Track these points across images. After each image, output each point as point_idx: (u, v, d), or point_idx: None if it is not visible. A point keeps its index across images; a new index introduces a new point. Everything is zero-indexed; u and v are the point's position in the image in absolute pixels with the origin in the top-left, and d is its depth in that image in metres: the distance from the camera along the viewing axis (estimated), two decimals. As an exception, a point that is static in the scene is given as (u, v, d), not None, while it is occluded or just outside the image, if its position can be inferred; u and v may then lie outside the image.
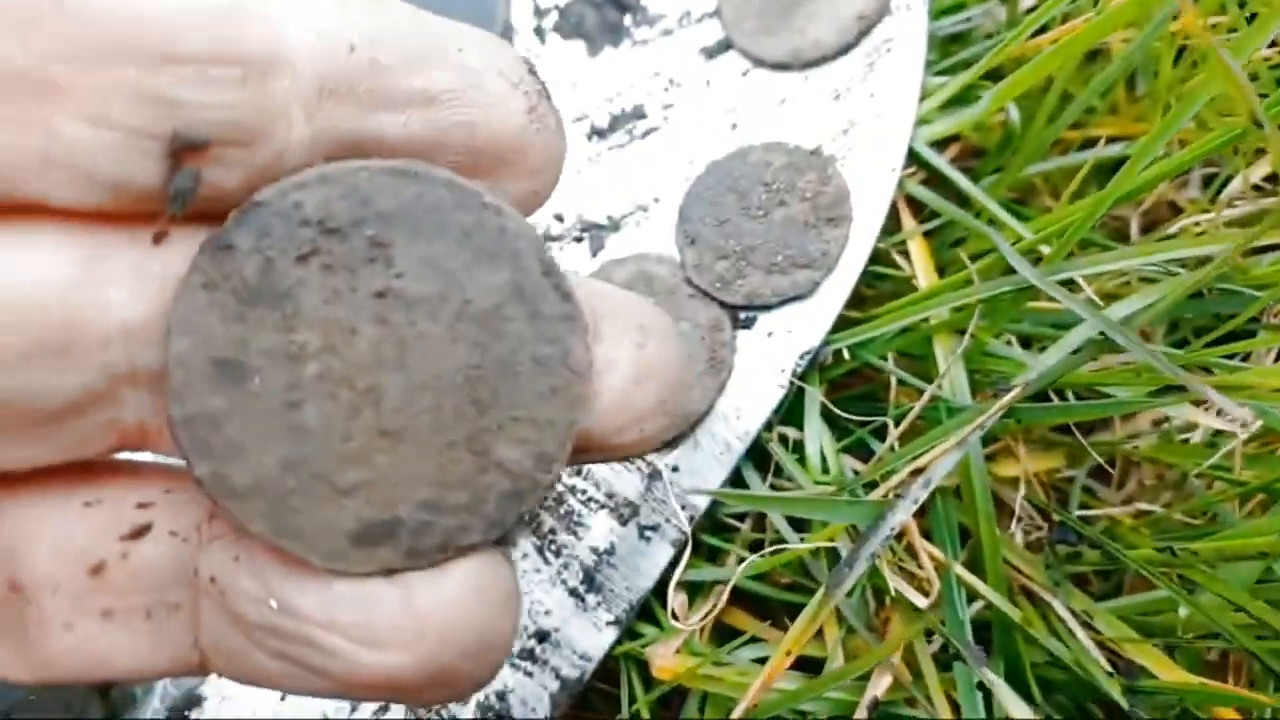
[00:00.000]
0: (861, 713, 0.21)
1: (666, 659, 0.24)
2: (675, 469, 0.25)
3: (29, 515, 0.13)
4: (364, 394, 0.12)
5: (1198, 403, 0.23)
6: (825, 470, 0.25)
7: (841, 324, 0.26)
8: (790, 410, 0.26)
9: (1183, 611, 0.21)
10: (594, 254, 0.28)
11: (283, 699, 0.25)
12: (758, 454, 0.26)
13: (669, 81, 0.29)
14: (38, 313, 0.11)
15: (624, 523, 0.25)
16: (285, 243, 0.12)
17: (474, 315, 0.12)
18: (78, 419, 0.12)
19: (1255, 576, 0.21)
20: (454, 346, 0.12)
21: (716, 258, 0.26)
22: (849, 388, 0.27)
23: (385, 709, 0.25)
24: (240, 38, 0.11)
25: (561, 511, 0.25)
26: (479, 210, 0.12)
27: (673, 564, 0.25)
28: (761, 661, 0.24)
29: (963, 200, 0.26)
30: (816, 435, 0.25)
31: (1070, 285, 0.23)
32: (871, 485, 0.23)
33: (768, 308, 0.26)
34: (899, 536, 0.22)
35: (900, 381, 0.25)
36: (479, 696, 0.24)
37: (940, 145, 0.27)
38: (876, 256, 0.26)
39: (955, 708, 0.21)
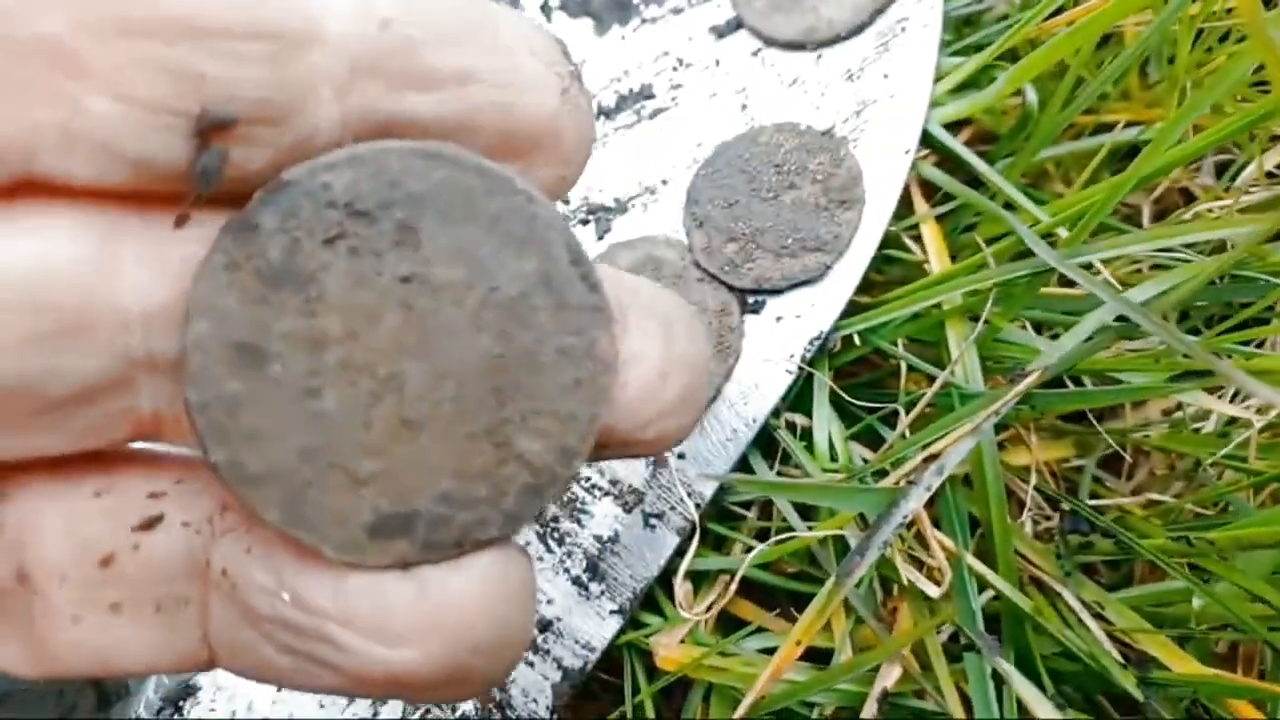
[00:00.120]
0: (871, 705, 0.20)
1: (671, 649, 0.23)
2: (681, 455, 0.25)
3: (38, 504, 0.13)
4: (385, 382, 0.12)
5: (1212, 390, 0.23)
6: (834, 458, 0.24)
7: (851, 309, 0.25)
8: (799, 396, 0.25)
9: (1196, 602, 0.21)
10: (600, 237, 0.27)
11: (278, 691, 0.24)
12: (765, 441, 0.25)
13: (678, 61, 0.28)
14: (52, 295, 0.11)
15: (629, 510, 0.25)
16: (312, 224, 0.12)
17: (500, 303, 0.12)
18: (92, 406, 0.12)
19: (1273, 566, 0.20)
20: (478, 335, 0.12)
21: (725, 241, 0.25)
22: (855, 374, 0.27)
23: (383, 703, 0.24)
24: (272, 12, 0.11)
25: (565, 498, 0.25)
26: (509, 196, 0.12)
27: (677, 552, 0.24)
28: (767, 652, 0.23)
29: (975, 184, 0.26)
30: (825, 422, 0.25)
31: (1086, 270, 0.23)
32: (881, 473, 0.23)
33: (777, 292, 0.25)
34: (909, 526, 0.21)
35: (910, 368, 0.25)
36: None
37: (952, 128, 0.27)
38: (887, 240, 0.25)
39: (965, 699, 0.21)
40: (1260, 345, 0.24)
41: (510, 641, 0.13)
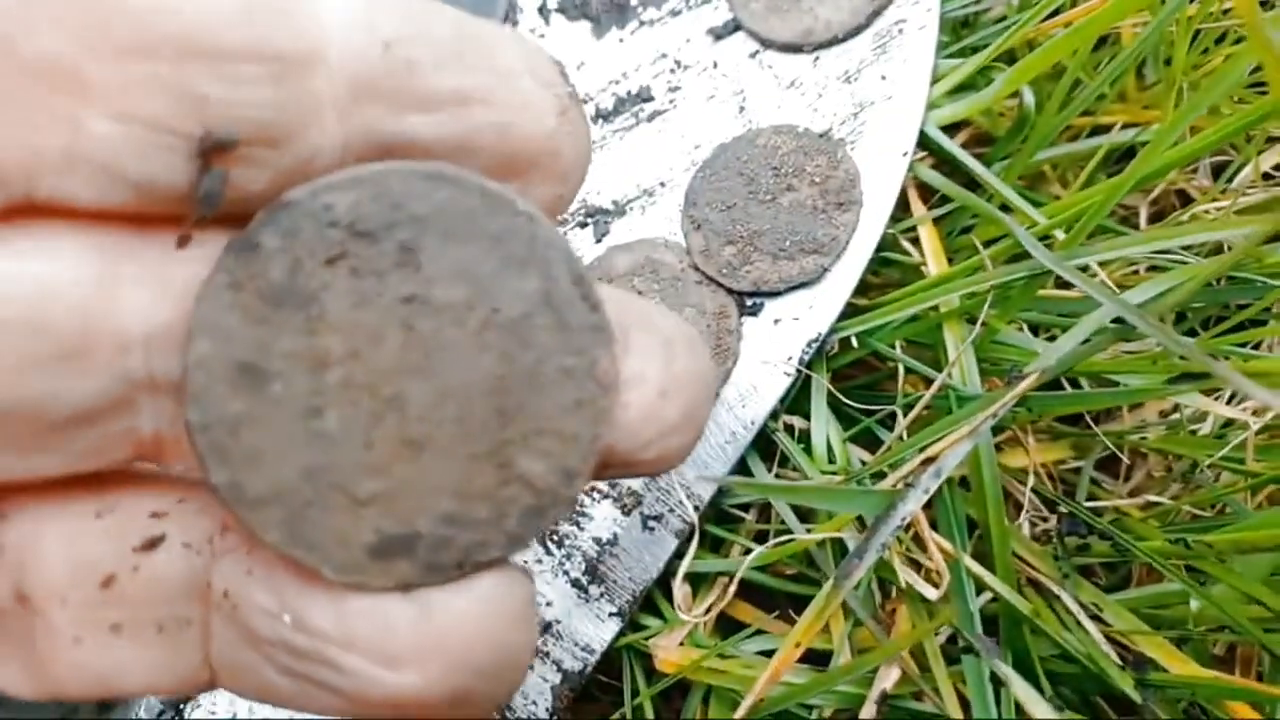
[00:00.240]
0: (870, 707, 0.21)
1: (670, 651, 0.23)
2: (680, 458, 0.25)
3: (38, 525, 0.12)
4: (387, 402, 0.12)
5: (1209, 392, 0.23)
6: (832, 460, 0.25)
7: (848, 311, 0.25)
8: (796, 399, 0.25)
9: (1194, 604, 0.21)
10: (598, 239, 0.27)
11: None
12: (763, 443, 0.25)
13: (676, 63, 0.28)
14: (52, 317, 0.11)
15: (627, 513, 0.25)
16: (314, 244, 0.12)
17: (501, 323, 0.12)
18: (92, 428, 0.12)
19: (1270, 568, 0.20)
20: (480, 355, 0.12)
21: (723, 243, 0.25)
22: (853, 377, 0.27)
23: None
24: (274, 34, 0.11)
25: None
26: (511, 217, 0.12)
27: (676, 555, 0.24)
28: (766, 654, 0.23)
29: (972, 186, 0.26)
30: (823, 424, 0.25)
31: (1083, 272, 0.23)
32: (878, 475, 0.23)
33: (775, 294, 0.25)
34: (907, 528, 0.21)
35: (908, 370, 0.25)
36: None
37: (949, 130, 0.27)
38: (884, 242, 0.26)
39: (963, 701, 0.21)
40: (1257, 347, 0.24)
41: (512, 664, 0.12)
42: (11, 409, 0.11)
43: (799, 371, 0.24)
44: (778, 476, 0.25)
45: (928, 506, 0.21)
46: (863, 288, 0.25)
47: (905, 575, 0.21)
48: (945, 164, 0.27)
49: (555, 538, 0.25)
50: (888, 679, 0.21)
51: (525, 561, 0.25)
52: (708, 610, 0.23)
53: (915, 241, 0.26)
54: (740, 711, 0.21)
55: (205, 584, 0.13)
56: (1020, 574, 0.22)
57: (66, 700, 0.13)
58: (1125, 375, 0.23)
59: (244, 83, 0.11)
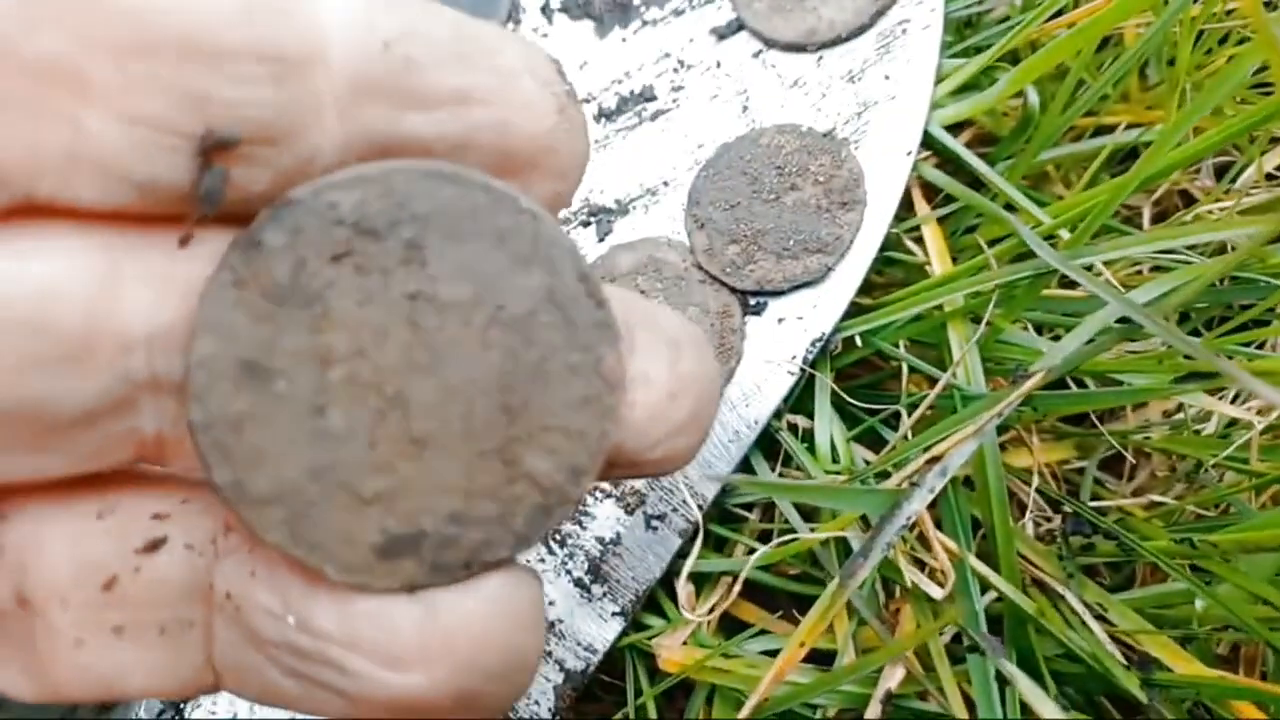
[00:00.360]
0: (874, 706, 0.20)
1: (673, 651, 0.23)
2: (683, 457, 0.25)
3: (40, 526, 0.12)
4: (392, 399, 0.12)
5: (1213, 392, 0.23)
6: (835, 459, 0.24)
7: (852, 311, 0.25)
8: (800, 398, 0.25)
9: (1198, 604, 0.21)
10: (601, 238, 0.27)
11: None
12: (767, 442, 0.25)
13: (679, 63, 0.28)
14: (53, 317, 0.11)
15: (630, 512, 0.25)
16: (318, 242, 0.11)
17: (507, 321, 0.12)
18: (94, 428, 0.12)
19: (1275, 568, 0.20)
20: (486, 352, 0.12)
21: (727, 242, 0.25)
22: (857, 376, 0.27)
23: None
24: (275, 33, 0.11)
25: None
26: (514, 214, 0.12)
27: (680, 554, 0.24)
28: (770, 654, 0.23)
29: (976, 186, 0.26)
30: (827, 424, 0.25)
31: (1087, 272, 0.23)
32: (883, 475, 0.23)
33: (778, 293, 0.25)
34: (911, 527, 0.21)
35: (912, 369, 0.25)
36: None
37: (953, 130, 0.27)
38: (888, 242, 0.26)
39: (968, 701, 0.21)
40: (1261, 347, 0.24)
41: (520, 666, 0.12)
42: (13, 409, 0.11)
43: (803, 371, 0.24)
44: (781, 476, 0.25)
45: (932, 506, 0.21)
46: (867, 287, 0.25)
47: (910, 575, 0.21)
48: (949, 163, 0.27)
49: (558, 537, 0.25)
50: (892, 679, 0.21)
51: (527, 560, 0.25)
52: (711, 610, 0.23)
53: (919, 241, 0.26)
54: (744, 711, 0.21)
55: (208, 585, 0.13)
56: (1025, 574, 0.22)
57: (68, 702, 0.13)
58: (1129, 375, 0.23)
59: (245, 82, 0.11)
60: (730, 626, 0.25)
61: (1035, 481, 0.23)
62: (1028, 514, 0.23)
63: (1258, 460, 0.22)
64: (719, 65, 0.28)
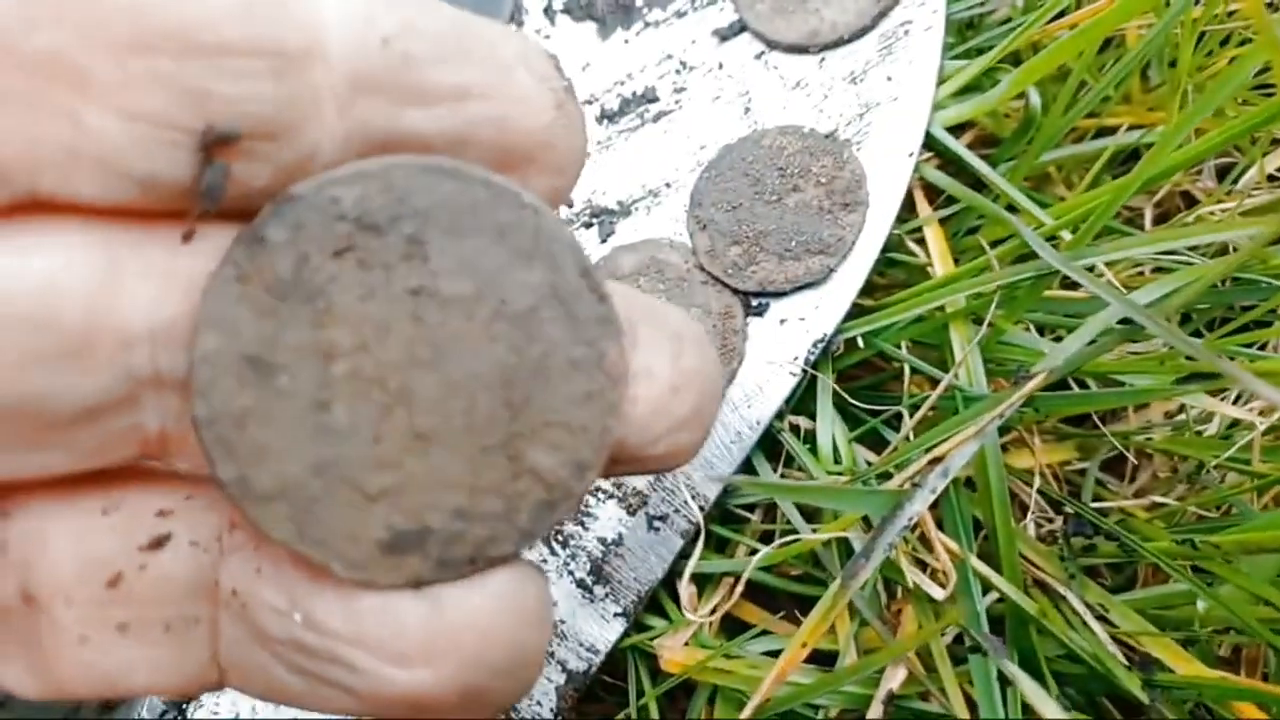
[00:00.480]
0: (876, 707, 0.21)
1: (675, 652, 0.23)
2: (685, 458, 0.25)
3: (44, 523, 0.12)
4: (395, 395, 0.12)
5: (1215, 393, 0.23)
6: (837, 460, 0.25)
7: (854, 312, 0.25)
8: (802, 399, 0.25)
9: (1200, 605, 0.21)
10: (603, 240, 0.27)
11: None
12: (769, 443, 0.25)
13: (681, 64, 0.28)
14: (55, 314, 0.11)
15: (632, 513, 0.25)
16: (321, 237, 0.12)
17: (509, 316, 0.12)
18: (97, 425, 0.12)
19: (1277, 569, 0.20)
20: (489, 347, 0.12)
21: (729, 244, 0.25)
22: (858, 377, 0.27)
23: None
24: (274, 28, 0.11)
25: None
26: (516, 210, 0.12)
27: (682, 555, 0.24)
28: (772, 654, 0.23)
29: (978, 187, 0.26)
30: (829, 424, 0.25)
31: (1089, 273, 0.23)
32: (884, 476, 0.23)
33: (780, 294, 0.25)
34: (913, 528, 0.21)
35: (913, 370, 0.25)
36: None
37: (955, 131, 0.27)
38: (890, 243, 0.26)
39: (969, 701, 0.21)
40: (1263, 348, 0.24)
41: (526, 662, 0.12)
42: (15, 406, 0.11)
43: (804, 372, 0.24)
44: (783, 477, 0.25)
45: (934, 507, 0.21)
46: (868, 288, 0.25)
47: (912, 575, 0.21)
48: (951, 165, 0.27)
49: (560, 538, 0.25)
50: (894, 679, 0.21)
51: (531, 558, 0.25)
52: (713, 610, 0.23)
53: (921, 242, 0.26)
54: (746, 712, 0.21)
55: (213, 582, 0.13)
56: (1026, 574, 0.22)
57: (73, 699, 0.13)
58: (1131, 376, 0.23)
59: (244, 77, 0.11)
60: (732, 627, 0.25)
61: (1037, 482, 0.23)
62: (1029, 515, 0.24)
63: (1259, 461, 0.22)
64: (721, 67, 0.28)
